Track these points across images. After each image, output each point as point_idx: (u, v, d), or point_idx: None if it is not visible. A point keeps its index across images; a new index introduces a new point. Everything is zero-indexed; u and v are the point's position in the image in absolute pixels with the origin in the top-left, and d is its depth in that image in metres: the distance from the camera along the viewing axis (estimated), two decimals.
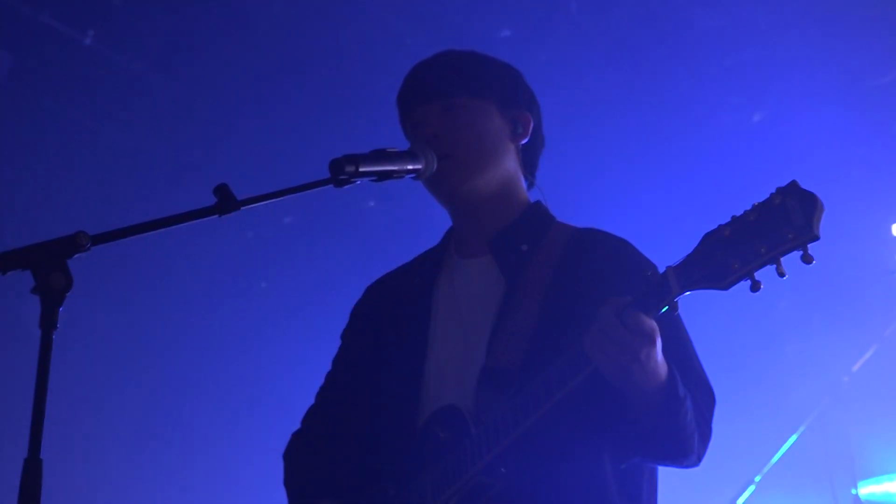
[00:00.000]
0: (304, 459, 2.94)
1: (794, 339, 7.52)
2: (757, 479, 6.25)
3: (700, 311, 6.05)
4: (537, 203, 2.99)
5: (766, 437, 6.66)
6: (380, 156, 2.55)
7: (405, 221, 7.38)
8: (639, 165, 7.40)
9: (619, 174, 7.47)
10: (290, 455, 2.99)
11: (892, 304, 6.48)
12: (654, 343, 2.40)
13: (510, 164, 2.92)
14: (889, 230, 7.24)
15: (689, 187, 7.29)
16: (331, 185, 2.47)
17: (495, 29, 6.62)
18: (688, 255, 2.37)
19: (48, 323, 1.99)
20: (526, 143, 2.96)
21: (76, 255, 2.06)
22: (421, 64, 3.00)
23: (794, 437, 6.35)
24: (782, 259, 2.28)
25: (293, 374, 6.65)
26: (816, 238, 2.24)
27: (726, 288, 2.34)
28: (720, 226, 2.34)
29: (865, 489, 6.05)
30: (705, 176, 7.25)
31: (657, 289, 2.40)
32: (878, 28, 6.73)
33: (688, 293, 2.39)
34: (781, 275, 2.29)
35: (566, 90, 6.84)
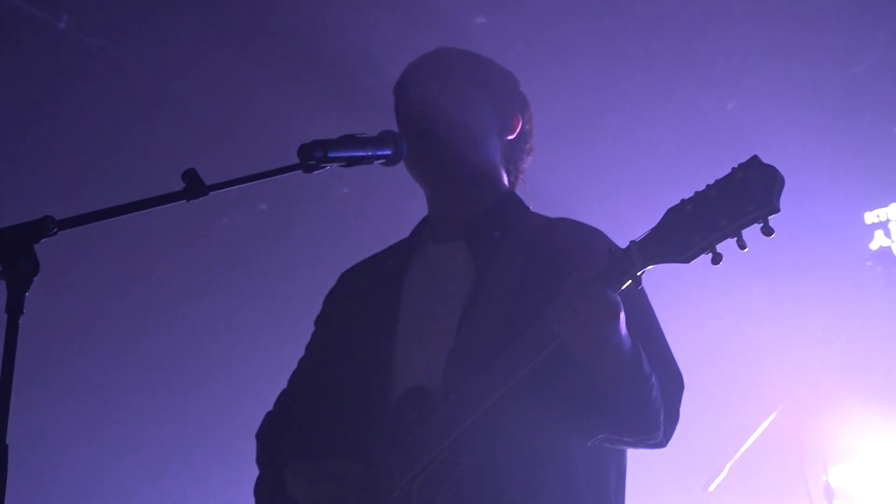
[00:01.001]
0: (274, 436, 2.97)
1: (766, 326, 7.55)
2: (728, 465, 6.28)
3: (673, 295, 6.10)
4: (512, 193, 3.03)
5: (738, 424, 6.69)
6: (349, 141, 2.55)
7: (379, 208, 7.38)
8: (612, 151, 7.42)
9: (593, 160, 7.48)
10: (262, 434, 3.02)
11: (864, 292, 6.51)
12: (617, 316, 2.45)
13: (493, 155, 2.98)
14: (862, 218, 7.29)
15: (662, 174, 7.31)
16: (300, 171, 2.47)
17: (470, 15, 6.62)
18: (650, 230, 2.44)
19: (14, 308, 1.99)
20: (513, 140, 3.02)
21: (43, 240, 2.06)
22: (421, 56, 3.07)
23: (765, 424, 6.38)
24: (744, 231, 2.32)
25: (270, 360, 6.65)
26: (777, 210, 2.30)
27: (687, 261, 2.40)
28: (682, 201, 2.40)
29: (835, 474, 6.09)
30: (679, 163, 7.27)
31: (620, 263, 2.46)
32: (853, 17, 6.76)
33: (650, 267, 2.44)
34: (742, 247, 2.36)
35: (540, 77, 6.84)
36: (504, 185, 3.01)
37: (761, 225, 2.30)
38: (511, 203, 2.99)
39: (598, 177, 7.53)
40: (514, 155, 3.04)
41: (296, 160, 2.46)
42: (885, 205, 7.25)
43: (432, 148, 2.87)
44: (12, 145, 6.70)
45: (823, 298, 7.18)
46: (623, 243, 2.86)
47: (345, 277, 3.16)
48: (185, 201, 2.26)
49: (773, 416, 6.47)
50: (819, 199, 6.92)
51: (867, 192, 7.30)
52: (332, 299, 3.13)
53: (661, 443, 2.71)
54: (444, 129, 2.87)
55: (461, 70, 2.99)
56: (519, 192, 3.06)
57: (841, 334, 6.35)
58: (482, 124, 2.95)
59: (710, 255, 2.36)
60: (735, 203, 2.31)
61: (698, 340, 6.80)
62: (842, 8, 6.67)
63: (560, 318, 2.45)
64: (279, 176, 2.46)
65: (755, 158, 2.35)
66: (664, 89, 7.18)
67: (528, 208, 3.02)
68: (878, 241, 7.19)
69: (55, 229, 2.07)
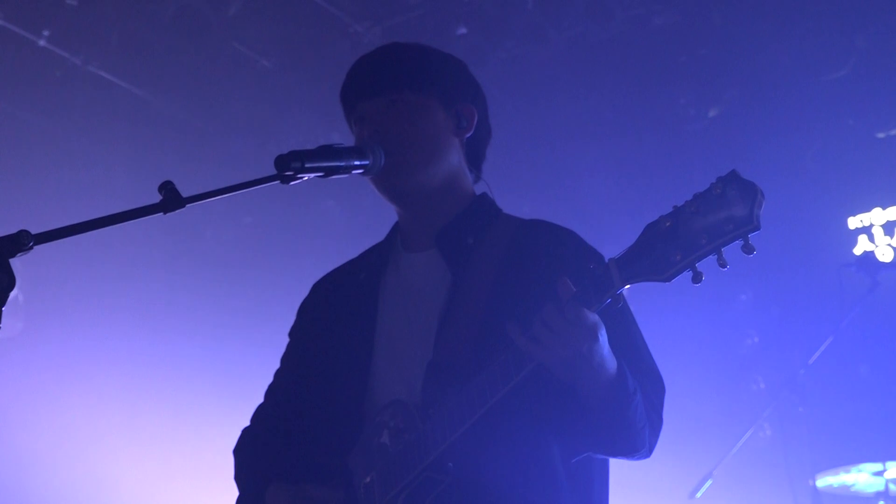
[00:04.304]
0: (253, 454, 2.92)
1: (751, 333, 7.57)
2: (714, 472, 6.26)
3: (658, 302, 6.11)
4: (483, 195, 2.95)
5: (724, 431, 6.69)
6: (326, 152, 2.53)
7: (364, 219, 7.38)
8: (594, 160, 7.43)
9: (574, 168, 7.49)
10: (239, 451, 2.97)
11: (847, 297, 6.51)
12: (596, 337, 2.40)
13: (454, 158, 2.88)
14: (845, 223, 7.30)
15: (645, 182, 7.32)
16: (279, 183, 2.45)
17: (452, 26, 6.63)
18: (629, 247, 2.36)
19: None
20: (470, 136, 2.92)
21: (19, 255, 2.04)
22: (364, 58, 2.95)
23: (751, 431, 6.37)
24: (724, 249, 2.28)
25: (256, 372, 6.64)
26: (758, 228, 2.23)
27: (668, 280, 2.33)
28: (661, 217, 2.33)
29: (823, 480, 6.08)
30: (661, 171, 7.29)
31: (599, 282, 2.39)
32: (832, 24, 6.78)
33: (629, 286, 2.38)
34: (723, 265, 2.28)
35: (522, 87, 6.86)
36: (471, 188, 2.94)
37: (742, 243, 2.25)
38: (482, 207, 2.91)
39: (578, 182, 7.54)
40: (475, 150, 2.96)
41: (273, 172, 2.44)
42: (868, 210, 7.26)
43: (390, 171, 2.75)
44: None
45: (808, 303, 7.19)
46: (604, 249, 2.82)
47: (318, 287, 3.10)
48: (161, 214, 2.24)
49: (759, 422, 6.46)
50: (803, 205, 6.93)
51: (850, 198, 7.32)
52: (305, 310, 3.07)
53: (646, 456, 2.68)
54: (398, 151, 2.75)
55: (406, 76, 2.85)
56: (482, 188, 2.97)
57: (824, 339, 6.34)
58: (436, 134, 2.84)
59: (691, 273, 2.30)
60: (715, 221, 2.25)
61: (684, 347, 6.81)
62: (821, 15, 6.70)
63: (537, 340, 2.40)
64: (264, 187, 2.43)
65: (734, 173, 2.26)
66: (646, 97, 7.19)
67: (500, 211, 2.94)
68: (862, 245, 7.21)
69: (31, 243, 2.05)
